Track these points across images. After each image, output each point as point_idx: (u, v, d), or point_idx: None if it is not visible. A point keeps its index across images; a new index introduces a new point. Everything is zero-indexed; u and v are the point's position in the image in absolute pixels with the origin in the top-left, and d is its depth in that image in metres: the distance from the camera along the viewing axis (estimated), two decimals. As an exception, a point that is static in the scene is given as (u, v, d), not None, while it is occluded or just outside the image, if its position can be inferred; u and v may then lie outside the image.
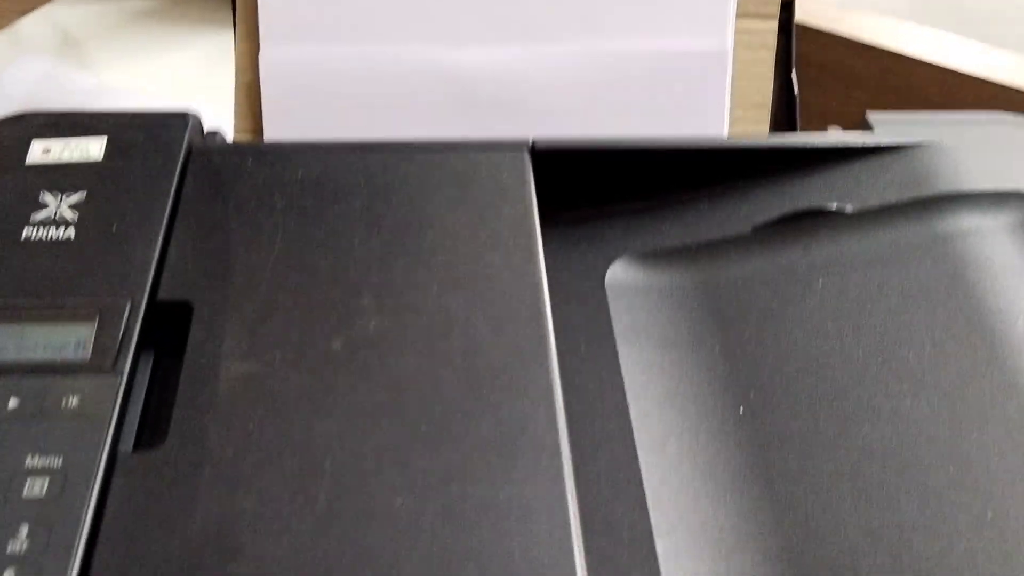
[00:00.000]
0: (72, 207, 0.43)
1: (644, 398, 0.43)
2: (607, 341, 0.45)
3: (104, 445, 0.35)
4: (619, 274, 0.47)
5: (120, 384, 0.37)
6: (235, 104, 0.55)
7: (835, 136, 0.51)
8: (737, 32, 0.54)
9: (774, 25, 0.55)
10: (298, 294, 0.40)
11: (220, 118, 0.52)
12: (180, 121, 0.47)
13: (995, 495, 0.38)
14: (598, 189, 0.49)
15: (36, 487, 0.34)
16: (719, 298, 0.46)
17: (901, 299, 0.45)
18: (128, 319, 0.39)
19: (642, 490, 0.39)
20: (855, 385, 0.42)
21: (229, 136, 0.51)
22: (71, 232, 0.42)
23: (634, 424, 0.42)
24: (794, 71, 0.56)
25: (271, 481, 0.34)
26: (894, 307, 0.44)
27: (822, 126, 0.54)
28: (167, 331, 0.39)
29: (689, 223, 0.49)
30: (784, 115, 0.56)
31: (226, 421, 0.36)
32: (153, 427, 0.37)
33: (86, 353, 0.38)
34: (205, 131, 0.48)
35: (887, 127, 0.51)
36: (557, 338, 0.40)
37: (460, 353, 0.39)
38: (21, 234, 0.42)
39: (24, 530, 0.33)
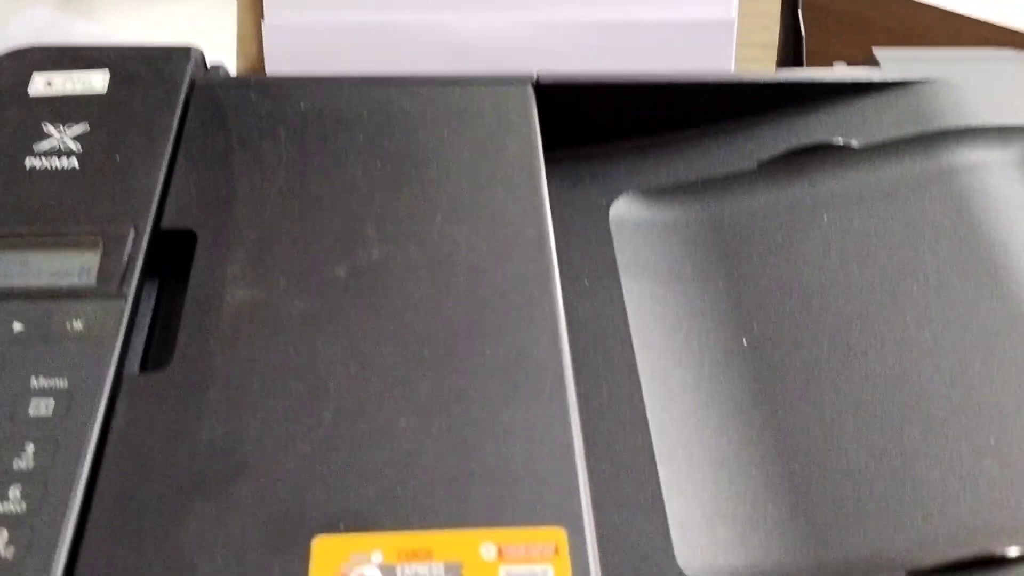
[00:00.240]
0: (75, 138, 0.42)
1: (647, 330, 0.43)
2: (611, 275, 0.45)
3: (109, 366, 0.35)
4: (623, 210, 0.47)
5: (125, 308, 0.37)
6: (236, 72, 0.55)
7: (841, 71, 0.51)
8: (743, -28, 0.54)
9: (780, -35, 0.54)
10: (302, 223, 0.40)
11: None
12: (183, 55, 0.47)
13: (998, 422, 0.38)
14: (602, 125, 0.49)
15: (42, 407, 0.34)
16: (724, 233, 0.46)
17: (906, 233, 0.45)
18: (132, 246, 0.39)
19: (644, 418, 0.39)
20: (859, 316, 0.42)
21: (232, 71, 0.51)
22: (74, 162, 0.42)
23: (637, 355, 0.42)
24: (800, 11, 0.55)
25: (276, 402, 0.35)
26: (899, 241, 0.44)
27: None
28: (171, 259, 0.39)
29: (694, 159, 0.49)
30: (791, 55, 0.55)
31: (231, 344, 0.36)
32: (158, 350, 0.37)
33: (91, 279, 0.38)
34: (208, 65, 0.48)
35: (893, 63, 0.50)
36: (561, 272, 0.40)
37: (463, 281, 0.39)
38: (24, 163, 0.41)
39: (30, 448, 0.33)
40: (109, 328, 0.36)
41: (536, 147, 0.44)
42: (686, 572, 0.35)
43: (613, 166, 0.49)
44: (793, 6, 0.55)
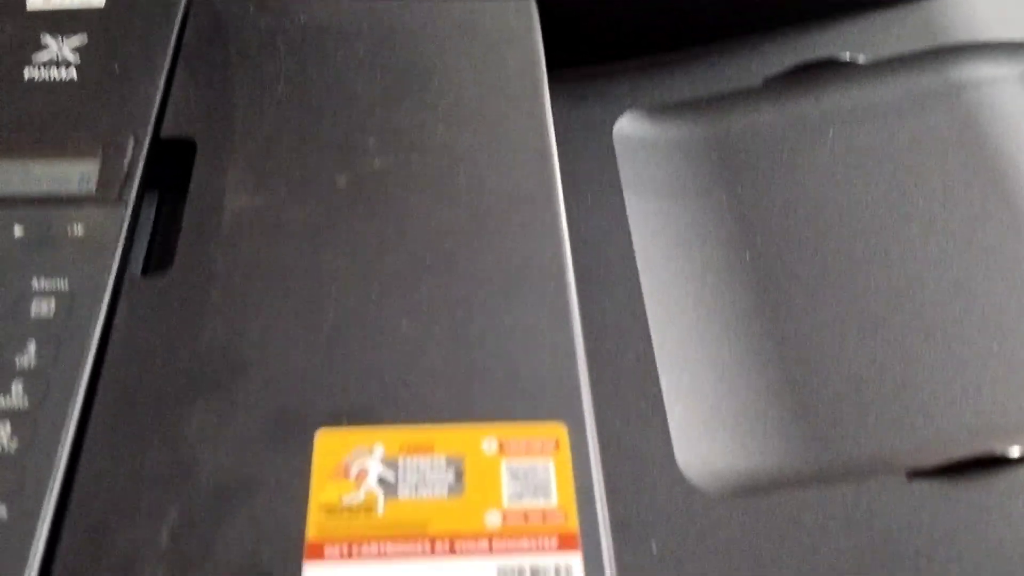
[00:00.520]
0: (74, 49, 0.42)
1: (651, 245, 0.43)
2: (614, 192, 0.45)
3: (111, 269, 0.35)
4: (627, 127, 0.47)
5: (126, 213, 0.37)
6: None
7: (849, -13, 0.50)
8: None
9: None
10: (302, 133, 0.40)
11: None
12: (181, -31, 0.46)
13: (1001, 329, 0.38)
14: (606, 42, 0.49)
15: (44, 308, 0.34)
16: (728, 150, 0.46)
17: (912, 148, 0.44)
18: (132, 154, 0.38)
19: (647, 328, 0.39)
20: (864, 230, 0.42)
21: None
22: (73, 73, 0.41)
23: (640, 269, 0.42)
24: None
25: (277, 304, 0.34)
26: (905, 156, 0.44)
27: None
28: (171, 168, 0.39)
29: (699, 76, 0.48)
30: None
31: (232, 249, 0.36)
32: (159, 255, 0.37)
33: (91, 186, 0.38)
34: (207, -20, 0.47)
35: (902, -21, 0.50)
36: (564, 189, 0.39)
37: (465, 190, 0.38)
38: (23, 74, 0.41)
39: (32, 346, 0.33)
40: (109, 233, 0.36)
41: (539, 59, 0.43)
42: (686, 474, 0.35)
43: (617, 84, 0.48)
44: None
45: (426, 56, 0.44)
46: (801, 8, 0.48)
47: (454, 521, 0.30)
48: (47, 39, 0.42)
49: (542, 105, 0.42)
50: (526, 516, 0.30)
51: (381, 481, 0.31)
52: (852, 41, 0.48)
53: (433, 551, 0.29)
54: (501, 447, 0.32)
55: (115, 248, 0.36)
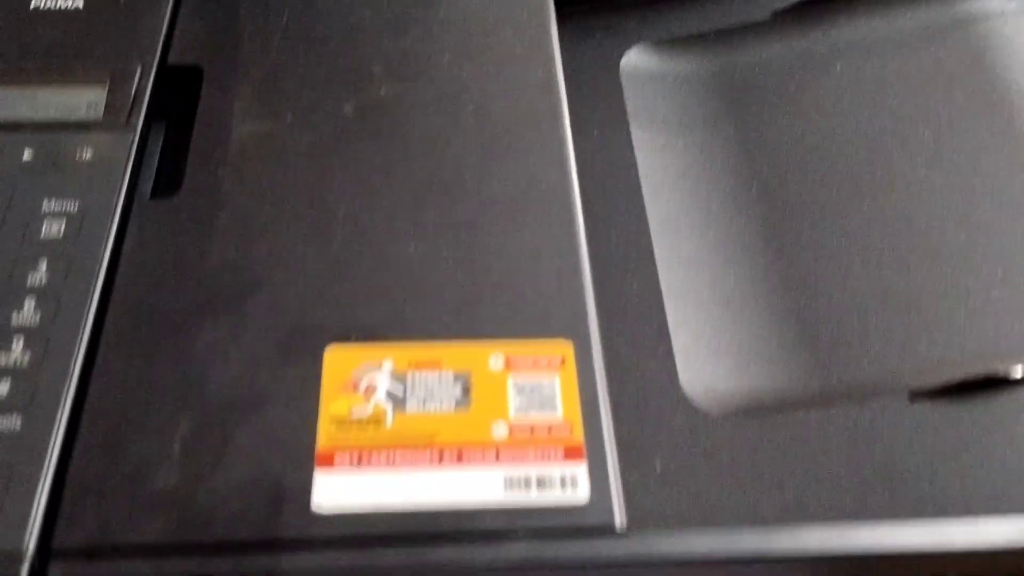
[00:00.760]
0: (79, -22, 0.42)
1: (657, 177, 0.43)
2: (621, 126, 0.45)
3: (119, 192, 0.35)
4: (634, 61, 0.47)
5: (133, 138, 0.37)
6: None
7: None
8: None
9: None
10: (308, 61, 0.40)
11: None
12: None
13: (1006, 257, 0.38)
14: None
15: (54, 229, 0.34)
16: (736, 83, 0.46)
17: (920, 81, 0.44)
18: (139, 80, 0.38)
19: (652, 258, 0.39)
20: (870, 161, 0.42)
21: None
22: (79, 2, 0.41)
23: (646, 200, 0.42)
24: None
25: (285, 227, 0.35)
26: (913, 88, 0.44)
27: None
28: (178, 95, 0.39)
29: (708, 10, 0.48)
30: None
31: (240, 174, 0.36)
32: (167, 179, 0.37)
33: (98, 112, 0.38)
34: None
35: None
36: (571, 122, 0.39)
37: (472, 117, 0.39)
38: (30, 3, 0.41)
39: (43, 266, 0.33)
40: (117, 157, 0.36)
41: (545, -11, 0.43)
42: (690, 397, 0.35)
43: (625, 18, 0.48)
44: None
45: (433, -14, 0.43)
46: (809, -59, 0.48)
47: (461, 433, 0.30)
48: (53, -32, 0.42)
49: (549, 34, 0.42)
50: (532, 429, 0.31)
51: (390, 395, 0.31)
52: (860, -26, 0.47)
53: (441, 460, 0.30)
54: (508, 363, 0.32)
55: (123, 171, 0.36)
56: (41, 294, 0.32)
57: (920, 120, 0.43)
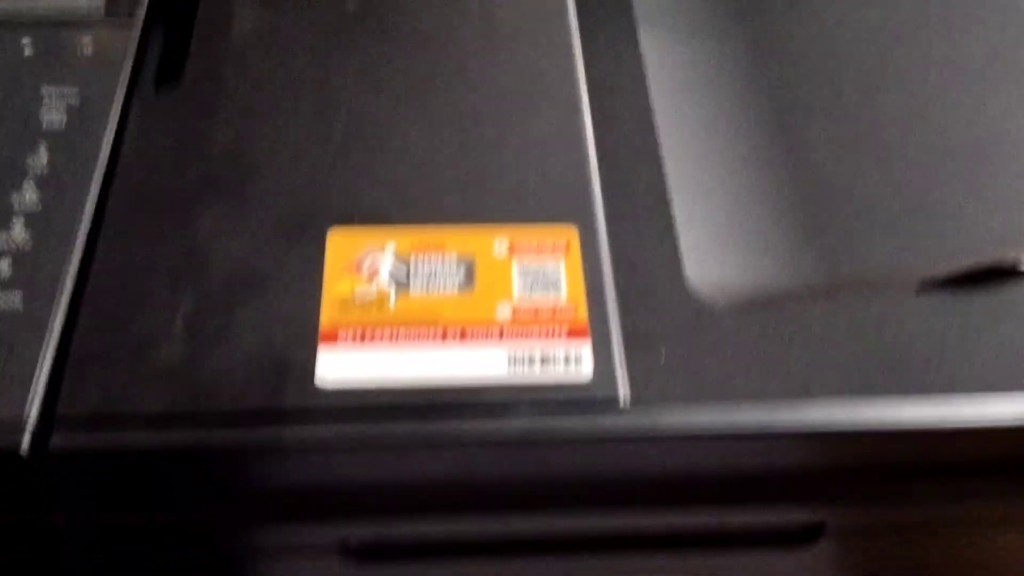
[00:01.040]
0: None
1: (664, 76, 0.42)
2: (628, 25, 0.44)
3: (121, 81, 0.35)
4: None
5: (134, 31, 0.36)
6: None
7: None
8: None
9: None
10: (311, -42, 0.40)
11: None
12: None
13: (1018, 152, 0.37)
14: None
15: (55, 118, 0.34)
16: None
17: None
18: (140, -25, 0.38)
19: (659, 156, 0.39)
20: (881, 62, 0.41)
21: None
22: (78, -100, 0.41)
23: (653, 98, 0.41)
24: None
25: (288, 115, 0.34)
26: (926, -8, 0.43)
27: None
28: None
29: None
30: None
31: (242, 65, 0.36)
32: (169, 71, 0.37)
33: (99, 6, 0.37)
34: None
35: None
36: (578, 22, 0.39)
37: (478, 9, 0.38)
38: (28, -99, 0.41)
39: (44, 152, 0.33)
40: (119, 48, 0.36)
41: None
42: (696, 290, 0.35)
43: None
44: None
45: None
46: None
47: (465, 313, 0.30)
48: None
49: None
50: (536, 310, 0.30)
51: (393, 277, 0.31)
52: None
53: (444, 338, 0.30)
54: (512, 247, 0.32)
55: (125, 62, 0.35)
56: (42, 179, 0.32)
57: (933, 24, 0.42)
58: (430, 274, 0.31)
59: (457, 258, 0.31)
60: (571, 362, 0.29)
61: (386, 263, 0.31)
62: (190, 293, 0.30)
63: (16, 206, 0.32)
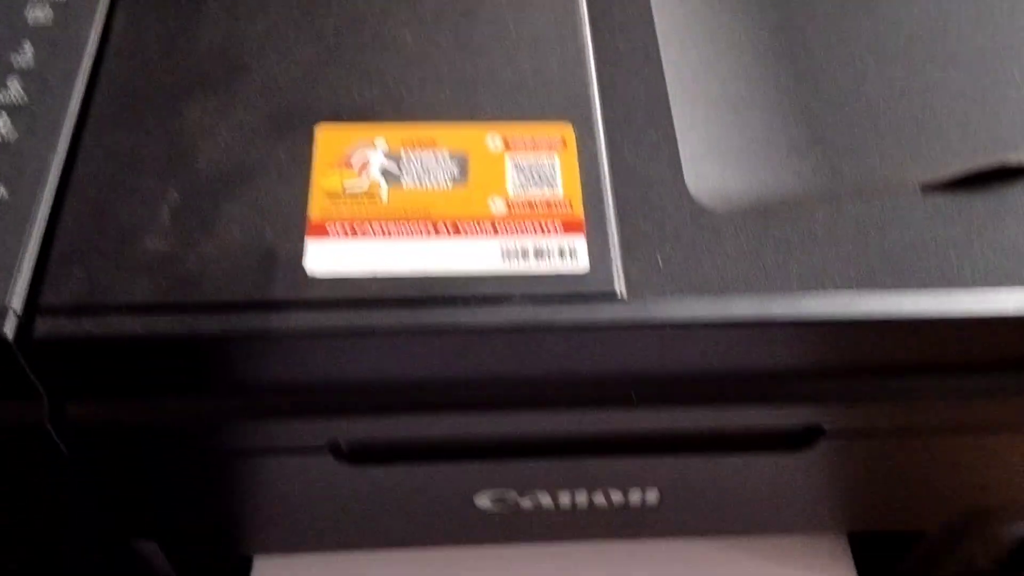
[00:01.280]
0: None
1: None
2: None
3: (106, -20, 0.34)
4: None
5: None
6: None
7: None
8: None
9: None
10: None
11: None
12: None
13: (1021, 56, 0.37)
14: None
15: (40, 16, 0.33)
16: None
17: None
18: None
19: (660, 65, 0.38)
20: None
21: None
22: None
23: (653, 8, 0.40)
24: None
25: (277, 11, 0.33)
26: None
27: None
28: None
29: None
30: None
31: (230, -36, 0.35)
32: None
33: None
34: None
35: None
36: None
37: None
38: None
39: (29, 48, 0.32)
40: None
41: None
42: (696, 196, 0.34)
43: None
44: None
45: None
46: None
47: (458, 208, 0.30)
48: None
49: None
50: (531, 204, 0.30)
51: (384, 171, 0.30)
52: None
53: (436, 232, 0.29)
54: (506, 143, 0.31)
55: (109, -41, 0.35)
56: (27, 75, 0.32)
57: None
58: (422, 169, 0.30)
59: (450, 153, 0.31)
60: (566, 255, 0.29)
61: (377, 158, 0.30)
62: (177, 186, 0.29)
63: (1, 100, 0.31)
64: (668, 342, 0.29)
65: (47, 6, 0.33)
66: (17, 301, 0.27)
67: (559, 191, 0.30)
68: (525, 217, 0.29)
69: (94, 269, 0.27)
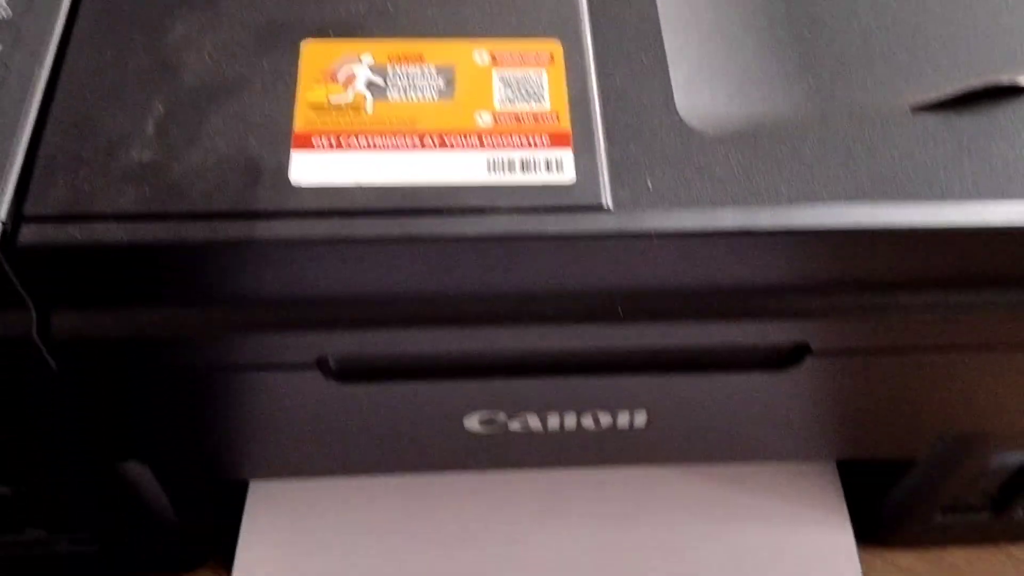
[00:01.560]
0: None
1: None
2: None
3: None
4: None
5: None
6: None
7: None
8: None
9: None
10: None
11: None
12: None
13: (1018, -18, 0.36)
14: None
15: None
16: None
17: None
18: None
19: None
20: None
21: None
22: None
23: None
24: None
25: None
26: None
27: None
28: None
29: None
30: None
31: None
32: None
33: None
34: None
35: None
36: None
37: None
38: None
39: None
40: None
41: None
42: (686, 120, 0.34)
43: None
44: None
45: None
46: None
47: (444, 121, 0.29)
48: None
49: None
50: (518, 118, 0.30)
51: (370, 85, 0.30)
52: None
53: (422, 144, 0.29)
54: (493, 58, 0.31)
55: None
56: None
57: None
58: (408, 82, 0.30)
59: (436, 68, 0.30)
60: (552, 168, 0.29)
61: (362, 72, 0.30)
62: (161, 98, 0.29)
63: (-17, 16, 0.31)
64: (654, 254, 0.29)
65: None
66: (2, 210, 0.27)
67: (546, 105, 0.30)
68: (511, 130, 0.29)
69: (79, 178, 0.27)
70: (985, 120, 0.32)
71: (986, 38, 0.35)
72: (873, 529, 0.46)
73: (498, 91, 0.30)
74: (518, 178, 0.28)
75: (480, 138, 0.29)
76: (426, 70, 0.30)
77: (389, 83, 0.30)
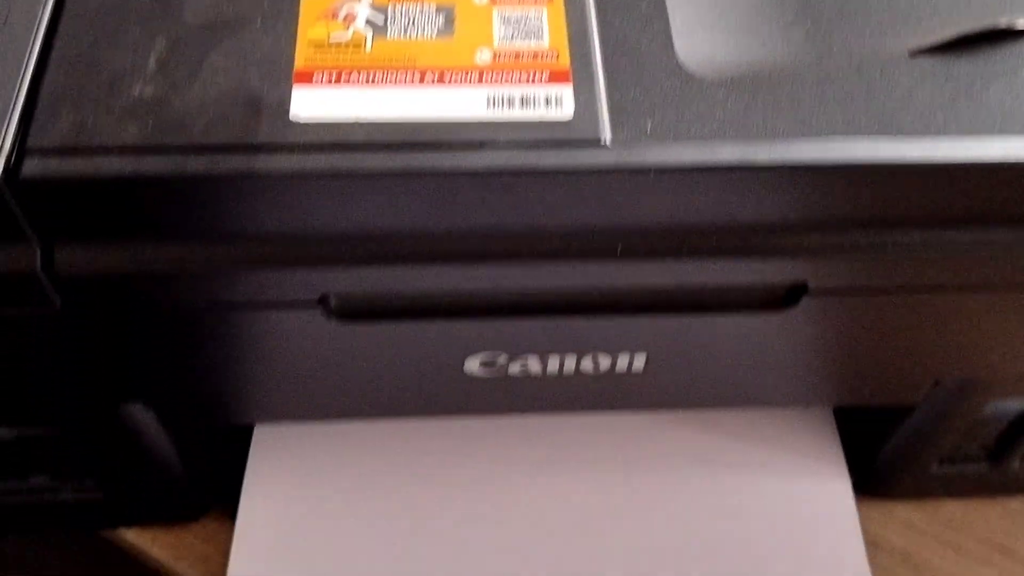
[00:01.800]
0: None
1: None
2: None
3: None
4: None
5: None
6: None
7: None
8: None
9: None
10: None
11: None
12: None
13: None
14: None
15: None
16: None
17: None
18: None
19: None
20: None
21: None
22: None
23: None
24: None
25: None
26: None
27: None
28: None
29: None
30: None
31: None
32: None
33: None
34: None
35: None
36: None
37: None
38: None
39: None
40: None
41: None
42: (685, 65, 0.34)
43: None
44: None
45: None
46: None
47: (443, 58, 0.30)
48: None
49: None
50: (517, 55, 0.30)
51: (369, 23, 0.30)
52: None
53: (421, 80, 0.29)
54: (493, -2, 0.31)
55: None
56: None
57: None
58: (408, 20, 0.30)
59: (436, 6, 0.31)
60: (552, 103, 0.29)
61: (362, 10, 0.30)
62: (162, 35, 0.29)
63: (-14, -47, 0.31)
64: (652, 189, 0.29)
65: None
66: (6, 143, 0.27)
67: (546, 43, 0.30)
68: (511, 67, 0.29)
69: (82, 112, 0.28)
70: (982, 63, 0.32)
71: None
72: (870, 480, 0.46)
73: (498, 29, 0.30)
74: (517, 114, 0.29)
75: (480, 75, 0.29)
76: (426, 8, 0.30)
77: (389, 21, 0.30)
